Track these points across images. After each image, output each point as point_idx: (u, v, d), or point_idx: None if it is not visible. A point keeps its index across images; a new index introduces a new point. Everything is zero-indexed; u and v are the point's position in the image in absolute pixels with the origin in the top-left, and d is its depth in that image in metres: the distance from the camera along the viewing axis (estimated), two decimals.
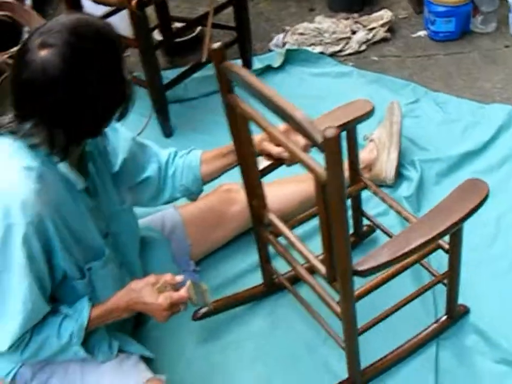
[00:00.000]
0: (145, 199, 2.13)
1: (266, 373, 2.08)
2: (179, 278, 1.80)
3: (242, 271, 2.37)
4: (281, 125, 1.60)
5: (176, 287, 1.79)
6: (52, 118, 1.56)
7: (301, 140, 1.59)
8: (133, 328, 2.18)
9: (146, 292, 1.76)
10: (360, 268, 1.61)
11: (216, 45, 1.63)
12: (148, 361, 1.99)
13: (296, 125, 1.43)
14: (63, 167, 1.67)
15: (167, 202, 2.18)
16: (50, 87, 1.51)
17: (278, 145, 1.83)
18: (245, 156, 1.84)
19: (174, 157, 2.09)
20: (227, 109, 1.75)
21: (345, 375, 1.97)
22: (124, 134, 2.00)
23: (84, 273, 1.81)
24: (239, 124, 1.75)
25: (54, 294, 1.80)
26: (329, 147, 1.32)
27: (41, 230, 1.62)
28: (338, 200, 1.43)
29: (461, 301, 2.10)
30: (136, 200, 2.10)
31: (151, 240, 2.25)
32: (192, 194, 2.13)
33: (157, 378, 1.90)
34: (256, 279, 2.26)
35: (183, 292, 1.77)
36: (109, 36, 1.59)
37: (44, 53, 1.49)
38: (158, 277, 1.78)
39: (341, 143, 1.33)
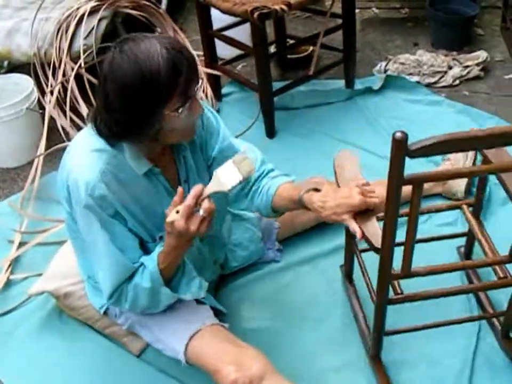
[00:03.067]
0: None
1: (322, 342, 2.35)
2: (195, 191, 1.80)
3: (319, 253, 2.64)
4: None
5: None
6: (106, 108, 1.79)
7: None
8: (215, 289, 2.48)
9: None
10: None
11: None
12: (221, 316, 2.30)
13: None
14: (127, 154, 1.89)
15: (244, 210, 2.37)
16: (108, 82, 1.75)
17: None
18: None
19: (263, 176, 2.22)
20: None
21: None
22: (225, 136, 2.17)
23: (155, 239, 2.03)
24: None
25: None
26: None
27: (106, 202, 1.87)
28: None
29: None
30: None
31: (245, 218, 2.53)
32: (263, 215, 2.28)
33: (220, 324, 2.17)
34: (331, 262, 2.57)
35: (187, 201, 1.78)
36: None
37: (121, 56, 1.72)
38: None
39: None
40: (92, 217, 1.89)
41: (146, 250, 2.02)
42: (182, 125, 1.85)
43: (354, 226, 1.89)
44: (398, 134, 1.53)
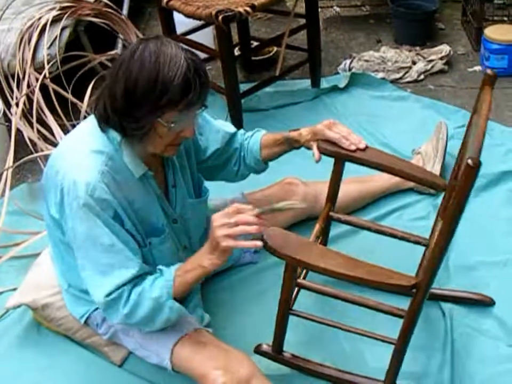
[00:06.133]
0: (229, 177, 2.41)
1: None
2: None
3: None
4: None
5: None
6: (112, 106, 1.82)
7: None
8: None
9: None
10: None
11: None
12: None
13: None
14: (125, 155, 1.92)
15: (241, 179, 2.44)
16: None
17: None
18: None
19: (242, 141, 2.35)
20: None
21: None
22: (215, 127, 2.29)
23: (146, 245, 2.04)
24: None
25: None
26: None
27: (106, 203, 1.87)
28: None
29: None
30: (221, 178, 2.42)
31: None
32: (257, 172, 2.40)
33: (205, 329, 2.16)
34: None
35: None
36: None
37: (145, 50, 1.77)
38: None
39: None
40: (92, 216, 1.87)
41: None
42: (168, 139, 1.89)
43: (314, 149, 2.19)
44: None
